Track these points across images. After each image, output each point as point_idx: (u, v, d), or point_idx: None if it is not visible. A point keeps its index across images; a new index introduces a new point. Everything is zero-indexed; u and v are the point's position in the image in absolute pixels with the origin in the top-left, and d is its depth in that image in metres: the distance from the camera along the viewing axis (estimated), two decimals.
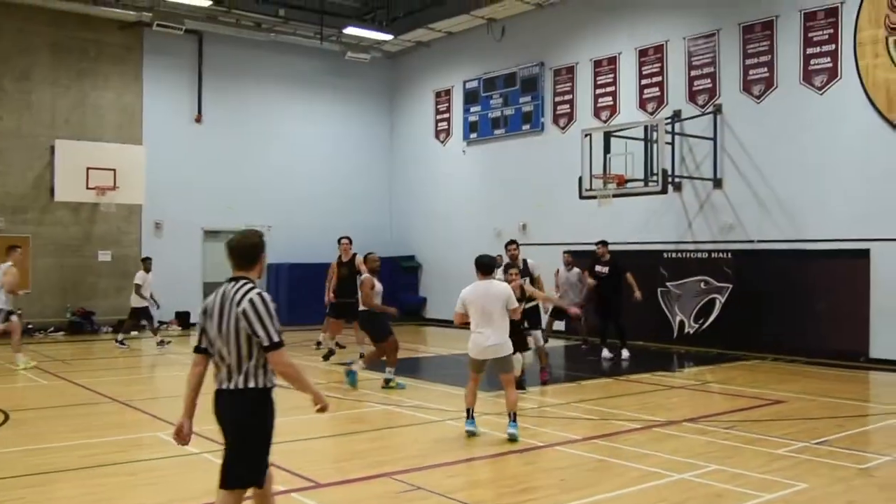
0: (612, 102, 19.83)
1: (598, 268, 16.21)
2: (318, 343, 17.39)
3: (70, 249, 21.04)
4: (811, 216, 15.96)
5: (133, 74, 22.15)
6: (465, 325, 9.10)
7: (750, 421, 9.89)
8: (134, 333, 18.46)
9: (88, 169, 19.90)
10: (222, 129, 23.44)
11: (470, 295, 8.88)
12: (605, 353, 16.00)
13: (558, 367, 14.91)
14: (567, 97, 20.96)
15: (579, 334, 18.16)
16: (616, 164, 16.96)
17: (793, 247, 16.15)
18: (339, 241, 15.93)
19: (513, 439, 8.56)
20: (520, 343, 10.60)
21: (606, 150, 17.15)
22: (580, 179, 17.33)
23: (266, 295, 4.68)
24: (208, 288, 23.08)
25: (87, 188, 19.89)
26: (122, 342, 17.50)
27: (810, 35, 16.05)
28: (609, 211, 17.78)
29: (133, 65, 22.15)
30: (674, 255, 18.15)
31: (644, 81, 19.10)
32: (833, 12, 15.69)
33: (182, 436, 4.91)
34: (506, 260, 12.55)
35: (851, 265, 15.21)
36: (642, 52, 19.11)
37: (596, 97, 20.21)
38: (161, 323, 20.26)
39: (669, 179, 16.75)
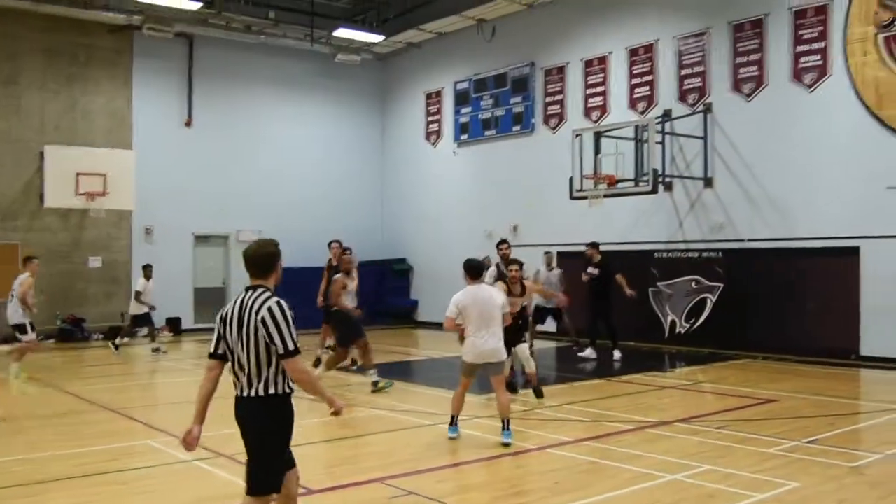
0: (602, 102, 19.85)
1: (589, 269, 16.24)
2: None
3: (60, 256, 20.93)
4: (801, 214, 15.99)
5: (123, 78, 22.10)
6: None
7: (742, 420, 9.91)
8: (125, 339, 18.34)
9: (78, 174, 19.77)
10: (213, 133, 23.39)
11: (465, 300, 8.80)
12: (590, 352, 16.08)
13: (549, 369, 14.94)
14: (558, 97, 20.98)
15: (568, 334, 18.13)
16: (606, 164, 17.00)
17: (783, 245, 16.19)
18: (329, 244, 15.88)
19: (507, 447, 8.52)
20: (513, 339, 10.62)
21: (597, 150, 17.18)
22: (571, 180, 17.35)
23: (284, 303, 4.77)
24: (199, 293, 23.09)
25: (77, 194, 19.75)
26: (116, 346, 17.46)
27: (800, 33, 16.09)
28: (600, 211, 17.80)
29: (123, 69, 22.09)
30: (665, 254, 18.17)
31: (634, 81, 19.13)
32: (822, 10, 15.73)
33: (190, 441, 4.93)
34: (495, 261, 12.58)
35: (842, 263, 15.25)
36: (632, 52, 19.13)
37: (586, 97, 20.23)
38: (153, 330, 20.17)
39: (660, 179, 16.77)
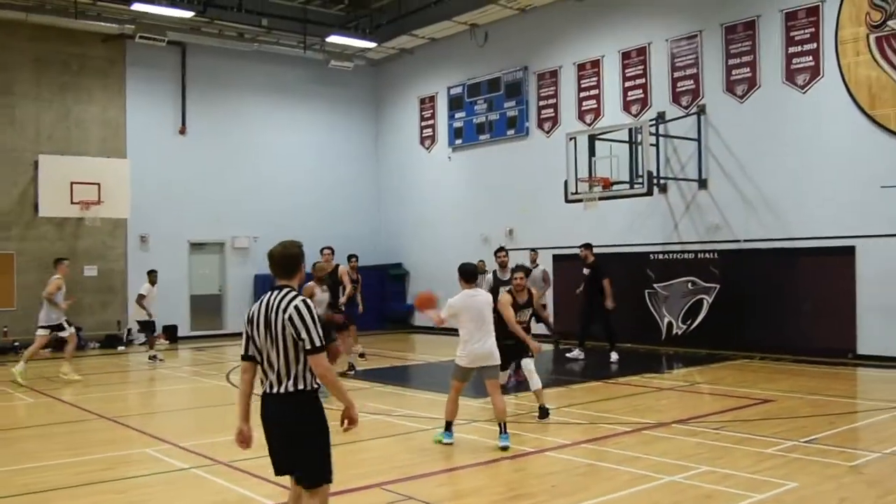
0: (596, 105, 19.87)
1: (584, 270, 16.27)
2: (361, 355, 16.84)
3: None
4: (796, 214, 16.02)
5: (116, 87, 22.09)
6: (444, 329, 9.04)
7: (739, 421, 9.91)
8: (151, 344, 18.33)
9: (73, 183, 19.81)
10: (207, 141, 23.38)
11: (459, 304, 8.80)
12: (577, 353, 16.13)
13: (545, 372, 14.91)
14: (551, 101, 21.00)
15: (552, 334, 18.07)
16: (601, 166, 17.01)
17: (779, 245, 16.22)
18: (321, 251, 15.83)
19: (505, 451, 8.51)
20: (518, 352, 10.49)
21: (591, 153, 17.18)
22: (566, 183, 17.36)
23: (310, 302, 4.93)
24: (195, 301, 23.05)
25: (72, 203, 19.79)
26: (153, 357, 17.54)
27: (792, 34, 16.14)
28: (595, 214, 17.80)
29: (116, 78, 22.08)
30: (660, 256, 18.19)
31: (627, 84, 19.16)
32: (814, 11, 15.78)
33: (244, 439, 5.12)
34: (492, 268, 12.52)
35: (837, 262, 15.28)
36: (625, 55, 19.17)
37: (580, 100, 20.26)
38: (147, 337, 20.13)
39: (655, 181, 16.78)
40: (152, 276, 17.93)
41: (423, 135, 25.03)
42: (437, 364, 16.34)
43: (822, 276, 15.50)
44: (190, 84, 23.17)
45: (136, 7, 19.84)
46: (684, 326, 17.69)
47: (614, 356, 15.75)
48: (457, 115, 23.65)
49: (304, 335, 4.79)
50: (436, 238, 24.09)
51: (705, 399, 12.11)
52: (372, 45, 23.96)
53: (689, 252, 17.68)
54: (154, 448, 9.06)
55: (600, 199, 16.94)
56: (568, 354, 16.43)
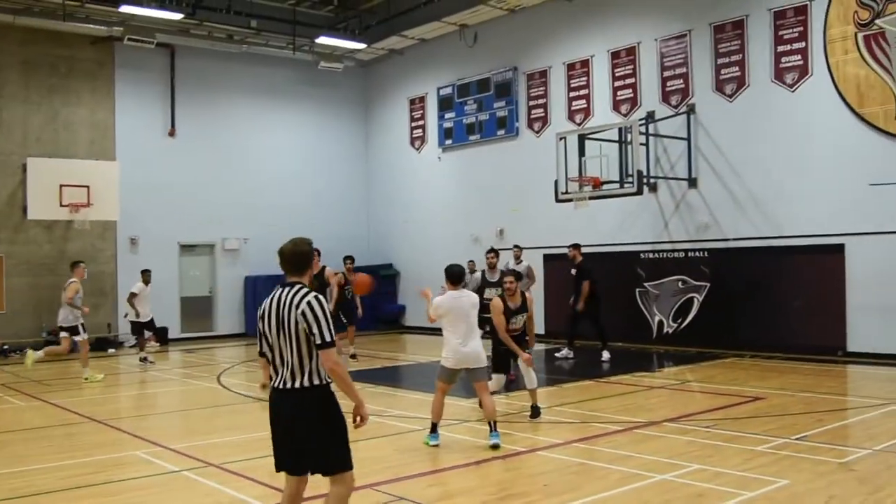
0: (585, 105, 19.90)
1: (571, 270, 16.32)
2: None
3: (45, 268, 20.82)
4: (786, 213, 16.07)
5: (105, 90, 22.01)
6: (435, 330, 9.04)
7: (730, 419, 9.93)
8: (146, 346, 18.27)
9: (62, 186, 19.74)
10: (196, 143, 23.34)
11: (445, 304, 8.81)
12: (565, 352, 16.16)
13: (536, 371, 14.89)
14: (541, 101, 21.02)
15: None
16: (591, 166, 17.03)
17: (768, 244, 16.27)
18: None
19: (496, 448, 8.53)
20: (503, 362, 10.45)
21: (581, 152, 17.20)
22: (556, 183, 17.37)
23: (322, 298, 5.02)
24: (186, 303, 23.00)
25: (61, 206, 19.71)
26: (143, 359, 17.51)
27: (780, 33, 16.19)
28: (585, 213, 17.82)
29: (105, 80, 22.01)
30: (651, 255, 18.23)
31: (617, 83, 19.19)
32: (802, 10, 15.83)
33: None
34: (482, 267, 12.49)
35: (827, 260, 15.34)
36: (615, 55, 19.20)
37: (570, 100, 20.28)
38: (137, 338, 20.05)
39: (645, 180, 16.82)
40: (146, 275, 17.84)
41: (413, 135, 25.02)
42: (428, 364, 16.30)
43: (812, 274, 15.55)
44: (179, 86, 23.11)
45: (125, 9, 19.75)
46: (675, 325, 17.73)
47: (606, 355, 15.76)
48: (447, 116, 23.65)
49: (314, 330, 4.87)
50: (426, 238, 24.09)
51: (696, 397, 12.13)
52: (361, 46, 23.95)
53: (679, 251, 17.72)
54: (145, 450, 9.03)
55: (590, 198, 16.95)
56: (557, 354, 16.45)
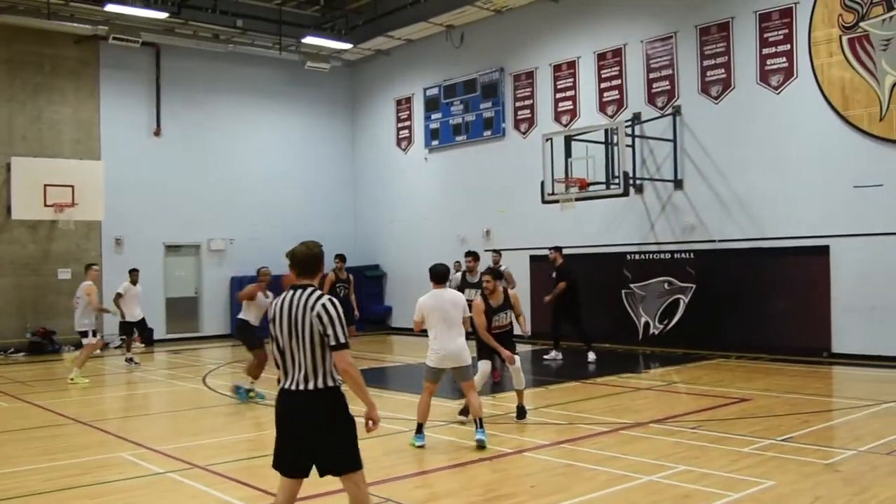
0: (572, 106, 19.93)
1: (552, 273, 16.37)
2: None
3: (29, 268, 20.70)
4: (771, 215, 16.14)
5: (90, 89, 21.88)
6: (425, 331, 9.04)
7: (716, 420, 9.96)
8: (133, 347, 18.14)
9: (46, 186, 19.63)
10: (182, 143, 23.23)
11: (427, 303, 8.85)
12: (553, 354, 16.18)
13: (523, 373, 14.90)
14: (527, 102, 21.04)
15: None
16: (577, 167, 17.05)
17: (754, 245, 16.33)
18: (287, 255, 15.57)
19: (481, 446, 8.52)
20: (488, 350, 10.29)
21: (567, 154, 17.22)
22: (542, 184, 17.38)
23: (335, 300, 5.06)
24: (171, 303, 22.89)
25: (45, 205, 19.61)
26: (129, 359, 17.37)
27: (766, 36, 16.26)
28: (572, 214, 17.83)
29: (89, 79, 21.88)
30: (637, 256, 18.27)
31: (603, 85, 19.23)
32: (787, 13, 15.90)
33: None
34: (464, 268, 12.47)
35: (812, 262, 15.42)
36: (601, 56, 19.24)
37: (556, 101, 20.30)
38: (123, 339, 19.93)
39: (631, 182, 16.85)
40: (133, 275, 17.65)
41: (400, 136, 25.00)
42: (415, 365, 16.28)
43: (797, 275, 15.63)
44: (164, 85, 23.01)
45: (110, 8, 19.61)
46: (661, 326, 17.78)
47: (592, 356, 15.78)
48: (433, 117, 23.64)
49: (329, 331, 4.91)
50: (413, 239, 24.06)
51: (682, 399, 12.16)
52: (348, 46, 23.91)
53: (665, 252, 17.77)
54: (130, 452, 8.98)
55: (577, 199, 16.98)
56: (545, 356, 16.45)
